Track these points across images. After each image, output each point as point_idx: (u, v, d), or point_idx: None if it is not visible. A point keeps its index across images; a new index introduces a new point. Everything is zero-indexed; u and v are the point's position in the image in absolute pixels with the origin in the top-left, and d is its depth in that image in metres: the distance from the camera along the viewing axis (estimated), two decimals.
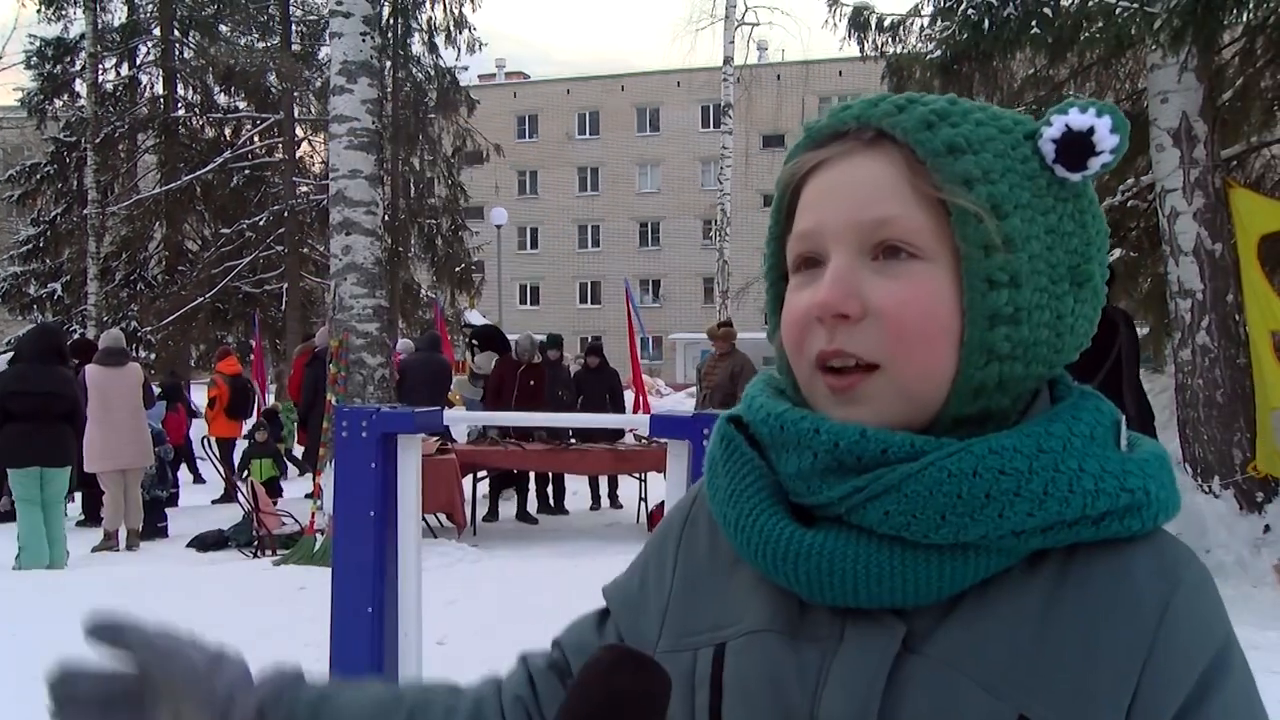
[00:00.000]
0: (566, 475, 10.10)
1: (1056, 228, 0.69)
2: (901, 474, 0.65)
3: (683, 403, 18.60)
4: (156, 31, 21.12)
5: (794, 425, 0.69)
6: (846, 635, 0.68)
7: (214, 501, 10.92)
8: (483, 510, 9.46)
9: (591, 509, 10.26)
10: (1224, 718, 0.63)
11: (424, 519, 8.02)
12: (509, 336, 10.94)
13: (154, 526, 8.81)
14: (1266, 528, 6.61)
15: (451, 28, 21.49)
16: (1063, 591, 0.66)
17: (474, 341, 11.74)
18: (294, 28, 20.78)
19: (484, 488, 9.76)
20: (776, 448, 0.72)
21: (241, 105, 21.49)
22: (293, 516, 8.26)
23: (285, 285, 19.90)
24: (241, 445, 11.51)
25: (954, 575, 0.66)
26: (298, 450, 12.57)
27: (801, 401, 0.73)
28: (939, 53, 8.01)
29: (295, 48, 20.41)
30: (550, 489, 10.09)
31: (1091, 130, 0.68)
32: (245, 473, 10.14)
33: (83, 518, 9.48)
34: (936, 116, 0.68)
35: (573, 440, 9.45)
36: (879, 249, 0.68)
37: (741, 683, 0.71)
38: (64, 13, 20.53)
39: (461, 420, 5.44)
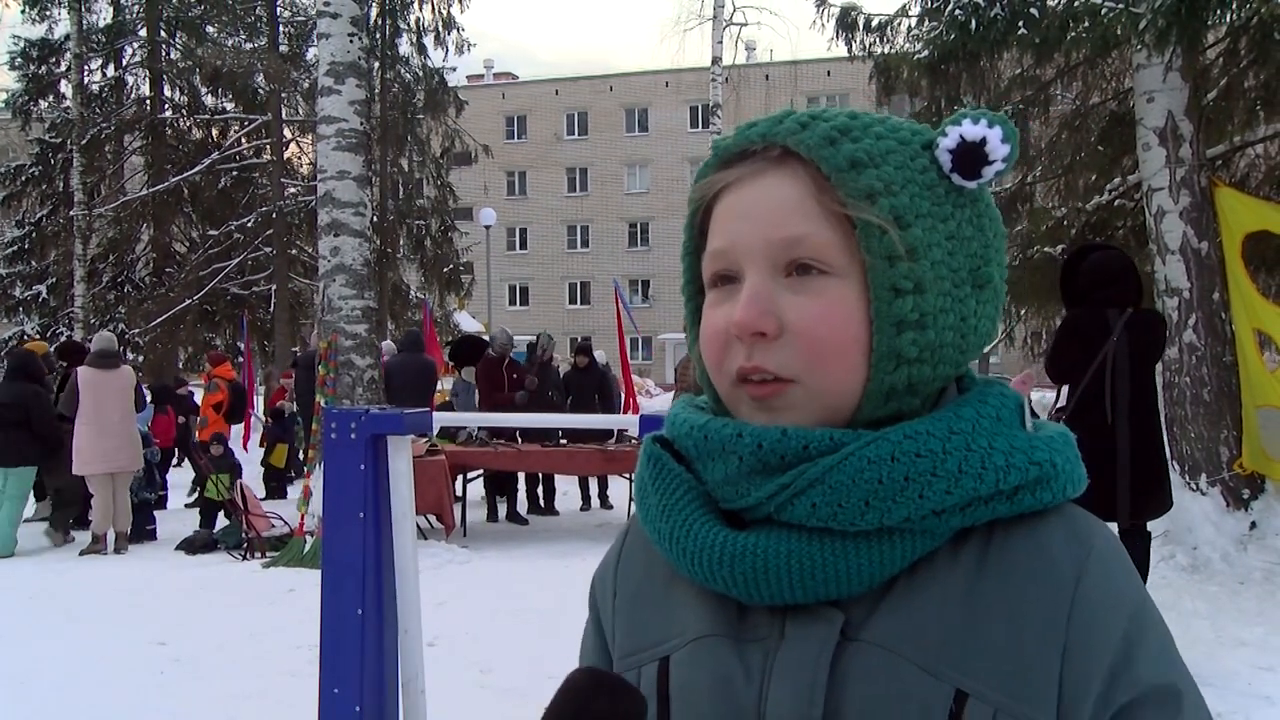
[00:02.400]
0: (556, 476, 10.10)
1: (956, 234, 0.72)
2: (824, 466, 0.67)
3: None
4: (143, 32, 21.04)
5: (717, 433, 0.72)
6: (787, 631, 0.70)
7: (187, 506, 10.85)
8: (474, 511, 9.44)
9: (582, 510, 10.26)
10: (1154, 673, 0.67)
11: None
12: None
13: (142, 529, 8.76)
14: (1253, 525, 6.66)
15: (440, 28, 21.49)
16: (985, 567, 0.69)
17: (450, 362, 11.61)
18: (281, 28, 20.73)
19: (475, 489, 9.75)
20: (702, 458, 0.74)
21: (229, 106, 21.41)
22: (282, 519, 8.24)
23: (274, 287, 19.83)
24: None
25: (883, 561, 0.68)
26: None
27: (723, 413, 0.75)
28: (926, 53, 8.04)
29: (283, 49, 20.35)
30: (540, 490, 10.09)
31: (984, 140, 0.71)
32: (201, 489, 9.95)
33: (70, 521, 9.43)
34: (838, 132, 0.71)
35: (563, 440, 9.45)
36: (791, 266, 0.70)
37: (688, 690, 0.73)
38: (48, 13, 20.42)
39: (450, 421, 5.42)
